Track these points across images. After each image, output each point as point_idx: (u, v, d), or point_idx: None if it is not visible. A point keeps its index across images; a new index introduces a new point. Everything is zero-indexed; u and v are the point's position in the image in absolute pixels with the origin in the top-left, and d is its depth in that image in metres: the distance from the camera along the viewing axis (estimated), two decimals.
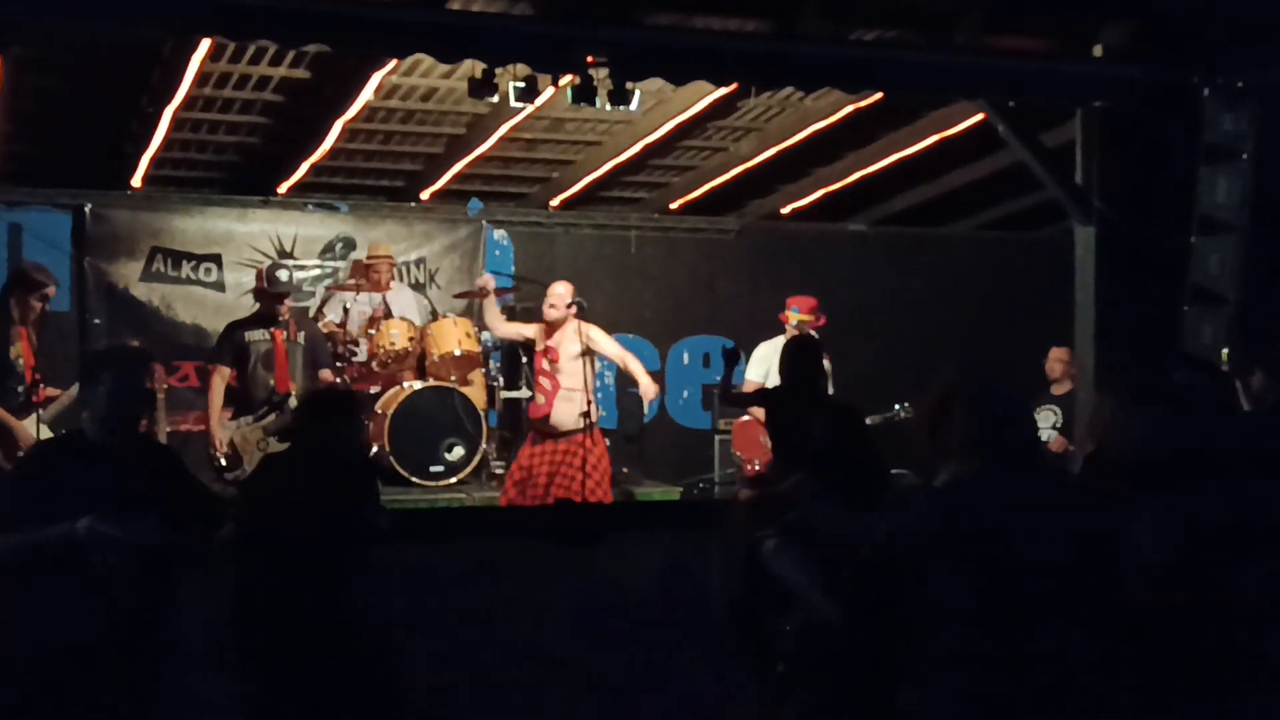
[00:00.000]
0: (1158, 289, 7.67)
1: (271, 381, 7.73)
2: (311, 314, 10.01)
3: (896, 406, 8.89)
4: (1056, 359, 9.22)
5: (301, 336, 7.87)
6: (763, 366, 8.70)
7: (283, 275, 8.26)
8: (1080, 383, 7.84)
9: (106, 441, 4.41)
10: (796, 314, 8.86)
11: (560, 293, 8.26)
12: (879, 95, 8.48)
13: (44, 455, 4.88)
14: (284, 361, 7.75)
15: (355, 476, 4.86)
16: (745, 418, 8.96)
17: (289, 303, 8.01)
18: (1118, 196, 7.74)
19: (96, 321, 9.97)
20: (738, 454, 9.06)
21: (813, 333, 8.61)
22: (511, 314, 9.72)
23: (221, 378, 7.82)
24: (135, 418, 4.65)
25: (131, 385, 4.53)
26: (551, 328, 8.28)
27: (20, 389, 7.22)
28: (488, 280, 8.75)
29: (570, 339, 8.10)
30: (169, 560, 4.31)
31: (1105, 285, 7.73)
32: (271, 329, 7.76)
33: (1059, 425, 8.98)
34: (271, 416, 7.57)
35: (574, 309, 8.16)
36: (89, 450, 4.42)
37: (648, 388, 8.21)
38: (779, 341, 8.77)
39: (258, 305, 8.05)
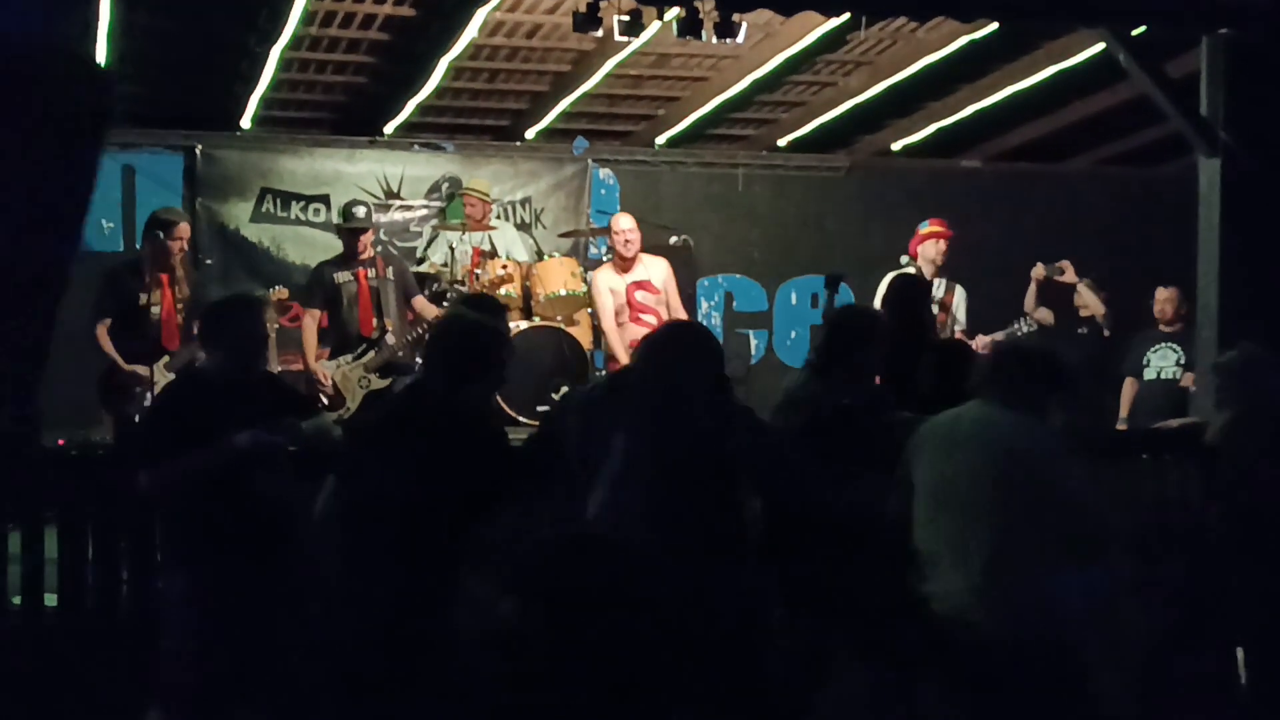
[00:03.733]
0: None
1: (358, 322, 7.75)
2: (418, 254, 10.05)
3: (1016, 323, 8.68)
4: (1166, 300, 8.98)
5: (390, 272, 7.84)
6: None
7: (359, 211, 8.16)
8: (1202, 321, 7.59)
9: (235, 380, 4.79)
10: (927, 225, 8.74)
11: (631, 224, 8.44)
12: (994, 25, 8.25)
13: (180, 393, 5.17)
14: (368, 302, 7.75)
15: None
16: None
17: (368, 239, 7.93)
18: (1245, 129, 7.44)
19: (209, 262, 10.10)
20: None
21: (920, 268, 8.45)
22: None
23: (312, 319, 7.81)
24: (261, 359, 5.07)
25: (257, 331, 4.95)
26: (629, 264, 8.35)
27: (151, 335, 7.25)
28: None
29: (654, 269, 8.20)
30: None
31: (1230, 221, 7.45)
32: (356, 269, 7.74)
33: (1182, 362, 8.76)
34: (371, 354, 7.59)
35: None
36: (218, 387, 4.78)
37: None
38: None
39: (343, 245, 8.00)
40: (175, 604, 4.75)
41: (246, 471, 4.61)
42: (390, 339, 7.61)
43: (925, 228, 8.80)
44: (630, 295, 8.40)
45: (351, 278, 7.69)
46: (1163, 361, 8.84)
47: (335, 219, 7.90)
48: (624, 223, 8.63)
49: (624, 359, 8.20)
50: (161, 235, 7.32)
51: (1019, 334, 8.65)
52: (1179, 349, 8.79)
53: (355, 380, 7.56)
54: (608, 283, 8.58)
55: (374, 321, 7.70)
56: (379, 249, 8.01)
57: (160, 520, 5.06)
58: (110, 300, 7.30)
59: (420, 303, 7.98)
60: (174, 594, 4.79)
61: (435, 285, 9.32)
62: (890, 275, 8.27)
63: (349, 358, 7.61)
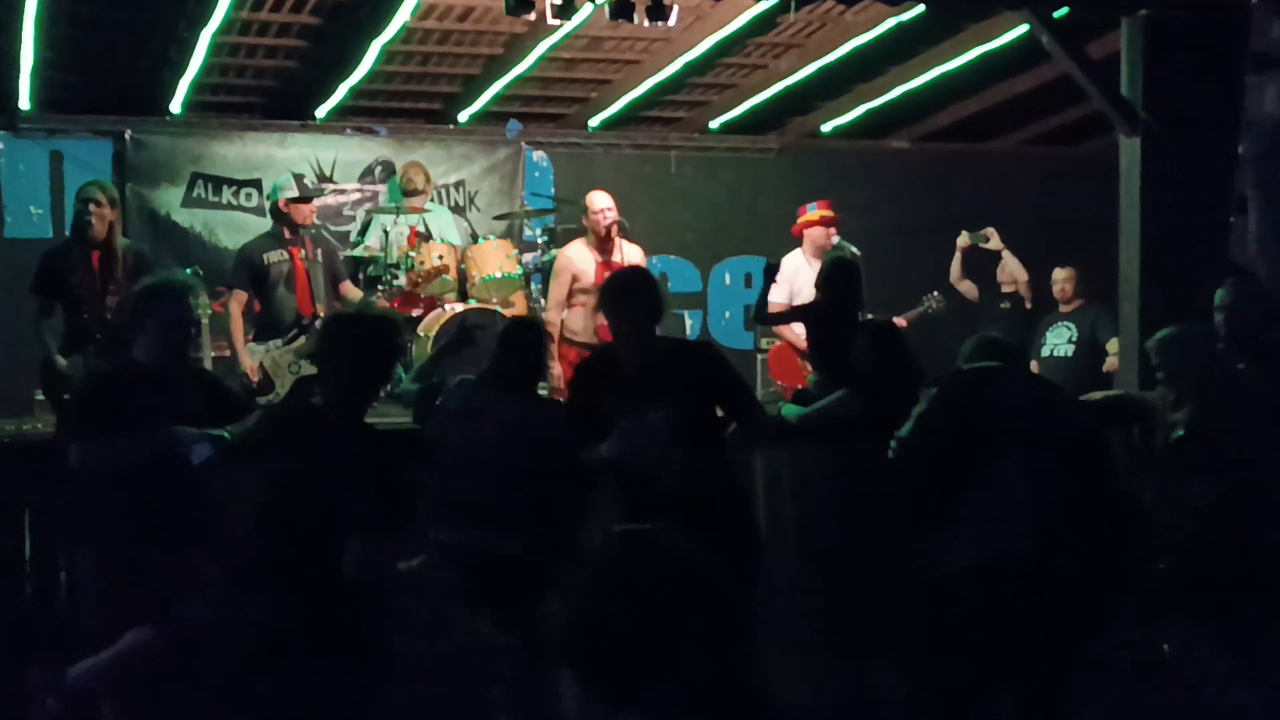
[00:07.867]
0: (1204, 200, 7.57)
1: (295, 303, 7.57)
2: (352, 239, 10.04)
3: (925, 299, 8.84)
4: (1064, 280, 9.19)
5: (319, 254, 7.68)
6: (785, 286, 8.38)
7: (307, 182, 7.96)
8: (1124, 295, 7.76)
9: (161, 368, 4.75)
10: (816, 210, 8.77)
11: (609, 202, 7.99)
12: (920, 7, 8.36)
13: (106, 380, 5.14)
14: (305, 282, 7.57)
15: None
16: (779, 343, 8.88)
17: (311, 211, 7.72)
18: (1164, 108, 7.61)
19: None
20: (778, 382, 8.89)
21: (855, 250, 8.54)
22: (552, 236, 9.64)
23: (238, 303, 7.56)
24: (188, 347, 4.94)
25: (185, 317, 4.85)
26: (606, 245, 7.94)
27: (86, 315, 7.09)
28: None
29: (629, 254, 7.97)
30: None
31: (1151, 198, 7.62)
32: (289, 248, 7.58)
33: (1074, 340, 8.97)
34: (301, 340, 7.41)
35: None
36: (146, 375, 4.76)
37: None
38: (795, 256, 8.69)
39: (272, 224, 7.79)
40: (88, 582, 4.75)
41: (175, 457, 4.55)
42: (319, 325, 7.46)
43: (814, 212, 8.82)
44: (600, 277, 7.80)
45: (285, 257, 7.52)
46: (1057, 339, 9.07)
47: (280, 194, 7.70)
48: (600, 200, 8.11)
49: (585, 338, 7.88)
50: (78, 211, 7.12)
51: (929, 310, 8.79)
52: (1072, 327, 9.05)
53: (285, 366, 7.42)
54: (578, 259, 8.08)
55: (311, 303, 7.54)
56: (311, 231, 7.84)
57: (75, 497, 4.87)
58: (47, 294, 7.02)
59: (347, 287, 7.83)
60: (86, 573, 4.78)
61: (370, 268, 9.31)
62: (825, 257, 8.35)
63: (278, 342, 7.46)
